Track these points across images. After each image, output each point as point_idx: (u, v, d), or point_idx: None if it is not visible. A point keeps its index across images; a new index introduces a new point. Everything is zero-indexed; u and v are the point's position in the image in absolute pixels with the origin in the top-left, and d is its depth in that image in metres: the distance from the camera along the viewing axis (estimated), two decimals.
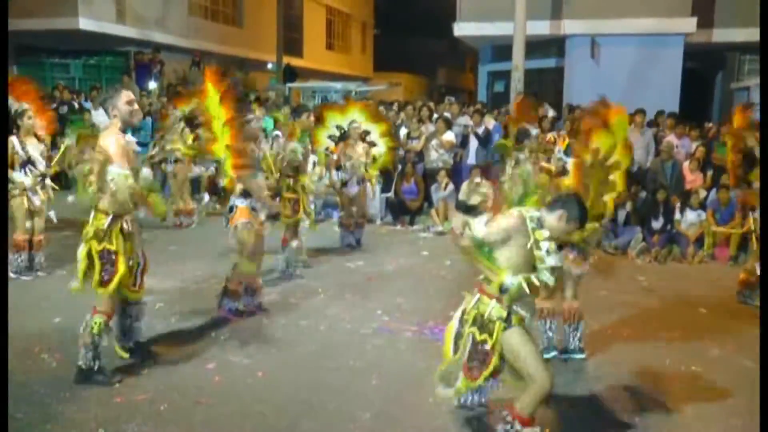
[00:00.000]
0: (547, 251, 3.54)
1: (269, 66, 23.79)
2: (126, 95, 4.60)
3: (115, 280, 4.49)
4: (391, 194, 11.06)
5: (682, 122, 11.45)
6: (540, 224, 3.59)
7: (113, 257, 4.50)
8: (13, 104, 7.15)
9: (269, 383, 4.69)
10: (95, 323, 4.49)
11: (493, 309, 3.60)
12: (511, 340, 3.60)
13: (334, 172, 8.76)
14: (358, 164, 8.78)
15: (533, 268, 3.60)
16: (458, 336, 3.83)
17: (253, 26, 24.15)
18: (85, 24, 16.44)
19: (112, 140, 4.44)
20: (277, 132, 7.98)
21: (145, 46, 18.38)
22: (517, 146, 6.61)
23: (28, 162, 7.00)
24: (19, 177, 6.97)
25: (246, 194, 5.90)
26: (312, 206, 8.08)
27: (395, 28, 35.29)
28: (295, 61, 24.66)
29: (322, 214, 10.92)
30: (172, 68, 18.70)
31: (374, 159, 9.04)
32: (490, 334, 3.61)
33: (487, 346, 3.63)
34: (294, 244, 7.49)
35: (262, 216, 6.02)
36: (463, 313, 3.82)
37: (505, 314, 3.60)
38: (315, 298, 6.78)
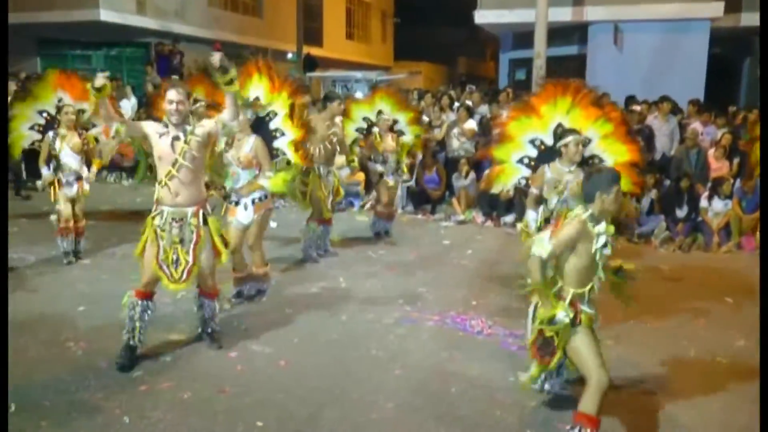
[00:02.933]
0: (605, 244, 3.73)
1: (289, 56, 23.78)
2: (168, 95, 4.65)
3: (145, 255, 4.74)
4: (412, 183, 11.02)
5: (708, 109, 11.24)
6: (595, 220, 3.70)
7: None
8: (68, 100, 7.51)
9: (292, 372, 4.71)
10: (126, 297, 4.76)
11: (564, 314, 3.74)
12: (575, 339, 3.78)
13: (371, 163, 8.79)
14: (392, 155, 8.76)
15: (597, 267, 3.80)
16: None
17: (272, 16, 24.16)
18: (106, 15, 16.55)
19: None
20: None
21: (165, 37, 18.46)
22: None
23: (52, 157, 7.19)
24: (45, 172, 7.23)
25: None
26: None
27: (415, 16, 35.09)
28: (315, 51, 24.61)
29: (344, 204, 10.91)
30: (193, 59, 18.76)
31: (402, 148, 8.98)
32: (557, 333, 3.79)
33: (555, 341, 3.83)
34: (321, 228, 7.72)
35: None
36: (535, 308, 3.97)
37: (572, 315, 3.76)
38: (337, 287, 6.79)
